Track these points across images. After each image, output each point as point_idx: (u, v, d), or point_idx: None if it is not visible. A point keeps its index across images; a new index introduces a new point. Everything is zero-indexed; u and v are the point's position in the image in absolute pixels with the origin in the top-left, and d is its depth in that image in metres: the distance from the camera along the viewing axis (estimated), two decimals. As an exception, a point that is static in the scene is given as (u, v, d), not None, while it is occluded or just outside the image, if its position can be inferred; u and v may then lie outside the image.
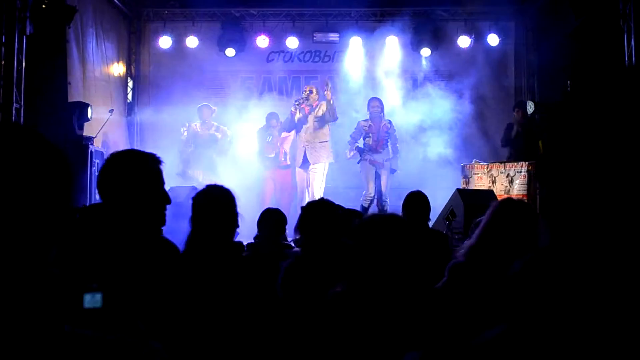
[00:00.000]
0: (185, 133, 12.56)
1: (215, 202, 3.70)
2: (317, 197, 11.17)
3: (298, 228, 4.32)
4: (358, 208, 10.81)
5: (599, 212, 0.98)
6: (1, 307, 1.25)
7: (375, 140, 11.63)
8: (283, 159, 12.74)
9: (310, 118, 11.58)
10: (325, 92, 11.41)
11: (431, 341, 3.62)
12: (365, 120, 11.84)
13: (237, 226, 3.74)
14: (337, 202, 6.37)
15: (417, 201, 6.41)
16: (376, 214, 2.99)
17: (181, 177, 12.22)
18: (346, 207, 6.02)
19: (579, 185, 1.00)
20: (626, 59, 9.59)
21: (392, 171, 11.83)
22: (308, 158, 11.57)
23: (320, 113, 11.55)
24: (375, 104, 11.83)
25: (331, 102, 11.40)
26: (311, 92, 11.73)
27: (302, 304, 2.72)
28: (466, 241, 3.82)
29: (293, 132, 12.23)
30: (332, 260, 3.80)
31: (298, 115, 11.63)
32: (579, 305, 1.01)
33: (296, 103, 11.68)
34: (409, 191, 6.66)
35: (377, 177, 11.68)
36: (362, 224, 2.95)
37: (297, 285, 3.49)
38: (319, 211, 4.30)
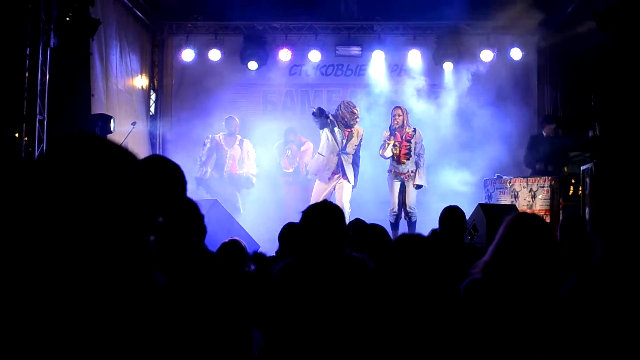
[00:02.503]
0: (208, 144, 12.63)
1: None
2: (347, 210, 11.13)
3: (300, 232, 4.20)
4: (387, 224, 10.76)
5: None
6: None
7: (398, 149, 11.51)
8: (304, 172, 12.82)
9: (352, 142, 11.57)
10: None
11: None
12: (387, 131, 11.70)
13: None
14: (363, 217, 6.34)
15: (453, 216, 6.38)
16: (406, 234, 2.98)
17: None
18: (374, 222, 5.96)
19: (636, 202, 0.98)
20: (651, 73, 9.51)
21: (417, 187, 11.61)
22: (346, 170, 11.50)
23: (356, 139, 11.57)
24: (398, 112, 11.66)
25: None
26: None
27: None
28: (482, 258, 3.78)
29: (311, 145, 12.30)
30: (331, 271, 3.71)
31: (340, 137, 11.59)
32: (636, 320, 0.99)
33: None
34: (445, 206, 6.63)
35: (403, 189, 11.55)
36: (395, 243, 2.94)
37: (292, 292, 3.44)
38: (326, 217, 4.17)
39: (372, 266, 3.97)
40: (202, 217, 4.21)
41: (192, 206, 4.15)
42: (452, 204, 6.78)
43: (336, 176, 11.52)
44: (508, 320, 3.22)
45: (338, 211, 4.21)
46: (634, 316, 0.99)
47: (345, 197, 11.44)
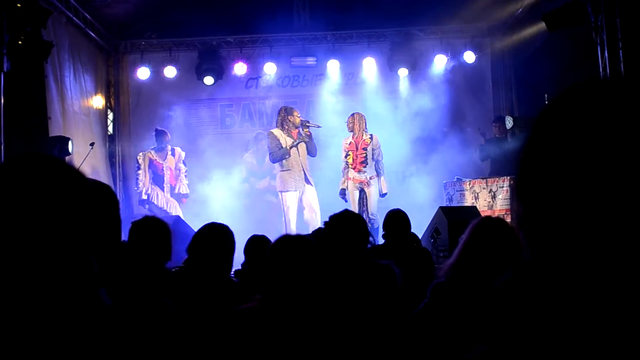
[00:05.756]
0: (143, 164, 12.56)
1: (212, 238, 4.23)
2: (319, 219, 10.97)
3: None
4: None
5: (580, 227, 0.98)
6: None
7: (354, 158, 11.50)
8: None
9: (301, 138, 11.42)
10: (305, 131, 11.40)
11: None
12: (346, 139, 11.67)
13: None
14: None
15: (396, 219, 6.43)
16: (286, 235, 3.08)
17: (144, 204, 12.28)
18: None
19: (559, 200, 1.00)
20: (600, 70, 9.69)
21: (382, 196, 11.51)
22: (309, 180, 11.40)
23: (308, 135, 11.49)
24: (350, 120, 11.60)
25: (311, 139, 11.44)
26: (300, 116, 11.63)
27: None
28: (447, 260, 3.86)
29: None
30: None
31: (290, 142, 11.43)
32: (559, 323, 1.01)
33: (307, 124, 11.42)
34: (388, 210, 6.69)
35: (363, 196, 11.54)
36: (273, 245, 3.02)
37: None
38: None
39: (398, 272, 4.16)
40: (169, 235, 4.24)
41: (160, 225, 4.19)
42: (406, 208, 6.83)
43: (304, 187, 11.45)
44: (470, 323, 3.28)
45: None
46: (555, 314, 1.02)
47: (313, 202, 11.42)
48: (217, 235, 4.42)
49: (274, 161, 11.58)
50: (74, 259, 1.40)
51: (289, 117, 11.42)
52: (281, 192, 11.44)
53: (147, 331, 1.72)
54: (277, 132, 11.43)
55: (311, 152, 11.46)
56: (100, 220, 2.88)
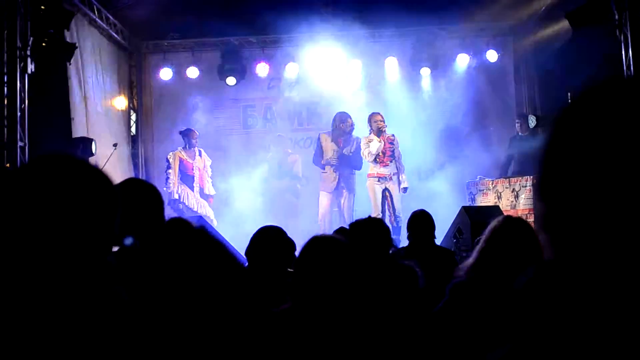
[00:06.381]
0: (174, 164, 12.61)
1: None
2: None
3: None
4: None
5: (603, 226, 0.97)
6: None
7: (383, 151, 11.57)
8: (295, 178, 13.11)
9: (347, 150, 11.88)
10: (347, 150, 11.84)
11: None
12: (367, 137, 11.75)
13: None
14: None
15: (421, 220, 6.43)
16: (319, 236, 3.09)
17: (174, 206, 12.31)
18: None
19: (582, 200, 0.99)
20: (624, 68, 9.61)
21: (404, 190, 11.67)
22: (344, 186, 11.80)
23: (354, 146, 11.89)
24: (379, 118, 11.73)
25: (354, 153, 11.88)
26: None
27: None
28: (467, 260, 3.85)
29: (298, 157, 12.54)
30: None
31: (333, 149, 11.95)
32: (583, 321, 1.00)
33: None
34: (413, 211, 6.69)
35: (387, 194, 11.59)
36: (305, 245, 3.03)
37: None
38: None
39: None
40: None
41: (183, 224, 4.22)
42: (428, 208, 6.83)
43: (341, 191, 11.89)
44: (491, 324, 3.26)
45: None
46: (581, 312, 1.01)
47: (346, 208, 11.82)
48: (274, 238, 4.48)
49: (314, 163, 12.25)
50: (90, 256, 1.40)
51: (341, 124, 11.93)
52: (319, 191, 12.06)
53: (164, 326, 1.72)
54: (323, 137, 12.10)
55: (354, 166, 11.99)
56: (144, 219, 2.91)
